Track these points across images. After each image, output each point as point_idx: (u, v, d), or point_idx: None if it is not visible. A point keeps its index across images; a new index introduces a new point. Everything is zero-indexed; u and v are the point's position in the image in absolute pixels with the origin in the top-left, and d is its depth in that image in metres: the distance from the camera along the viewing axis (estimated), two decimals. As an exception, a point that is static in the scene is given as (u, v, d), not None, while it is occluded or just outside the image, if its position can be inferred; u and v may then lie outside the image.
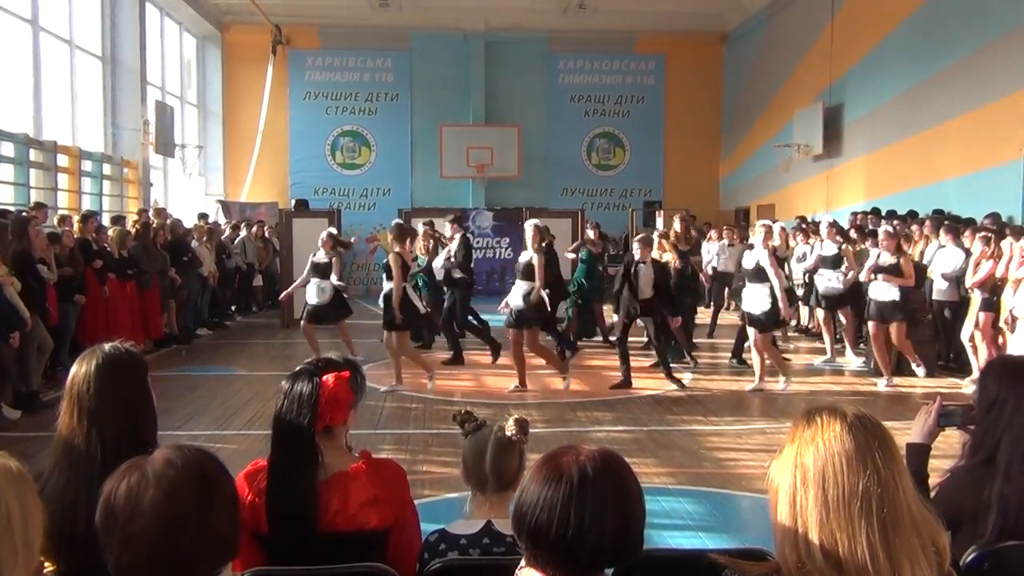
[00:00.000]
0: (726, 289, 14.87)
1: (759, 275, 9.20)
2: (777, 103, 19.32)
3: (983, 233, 9.66)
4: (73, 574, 2.06)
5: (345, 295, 10.93)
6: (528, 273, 9.07)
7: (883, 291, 9.59)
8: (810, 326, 13.85)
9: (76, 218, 11.00)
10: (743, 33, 21.60)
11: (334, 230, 11.38)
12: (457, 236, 11.37)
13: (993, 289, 9.29)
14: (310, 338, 10.30)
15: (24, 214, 9.53)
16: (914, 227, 11.91)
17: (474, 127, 21.66)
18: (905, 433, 2.66)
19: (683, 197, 20.89)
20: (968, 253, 9.98)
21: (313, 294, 10.33)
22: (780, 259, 10.76)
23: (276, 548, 2.39)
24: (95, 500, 1.65)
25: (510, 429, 2.56)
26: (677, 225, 12.21)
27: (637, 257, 9.35)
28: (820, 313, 11.84)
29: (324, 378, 2.41)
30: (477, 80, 21.98)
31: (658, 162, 22.97)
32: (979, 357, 9.26)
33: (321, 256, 10.45)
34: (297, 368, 2.49)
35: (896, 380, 9.72)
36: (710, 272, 14.42)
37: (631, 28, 21.72)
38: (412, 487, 2.66)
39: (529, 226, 9.49)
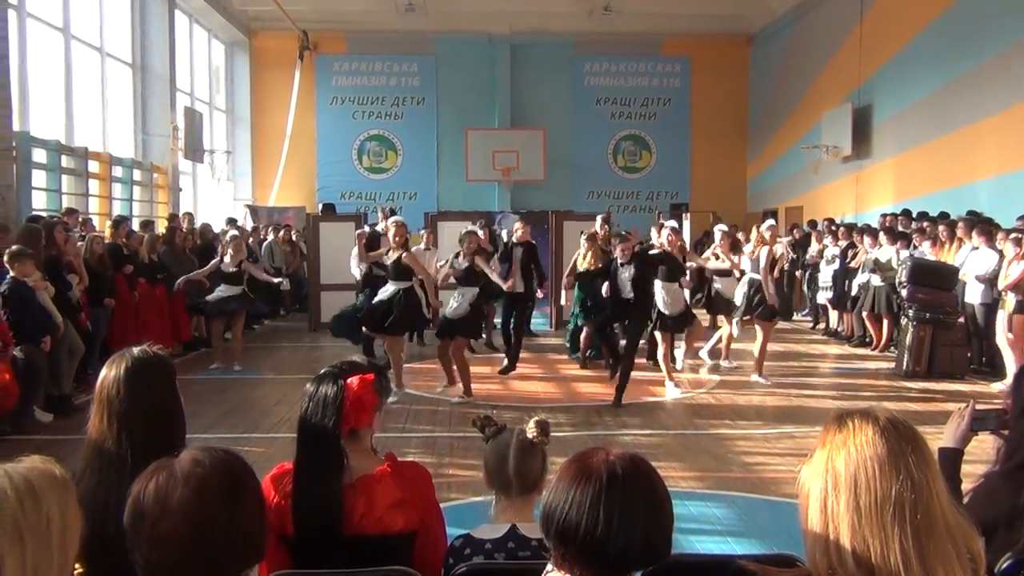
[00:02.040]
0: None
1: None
2: (805, 104, 19.16)
3: (1015, 235, 9.52)
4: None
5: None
6: (400, 273, 8.87)
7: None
8: (840, 329, 13.73)
9: (108, 223, 11.13)
10: (770, 35, 21.46)
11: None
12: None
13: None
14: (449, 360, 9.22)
15: (54, 219, 9.66)
16: (941, 228, 11.74)
17: (500, 131, 21.68)
18: (937, 438, 2.62)
19: (710, 199, 20.81)
20: (1002, 255, 9.84)
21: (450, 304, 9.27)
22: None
23: (302, 551, 2.39)
24: (124, 503, 1.66)
25: (531, 431, 2.54)
26: (597, 225, 11.61)
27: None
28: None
29: (349, 381, 2.41)
30: (503, 84, 22.01)
31: (685, 164, 22.87)
32: (1013, 360, 9.12)
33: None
34: (322, 371, 2.49)
35: (923, 384, 9.57)
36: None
37: (657, 30, 21.65)
38: (438, 490, 2.66)
39: (392, 223, 9.18)
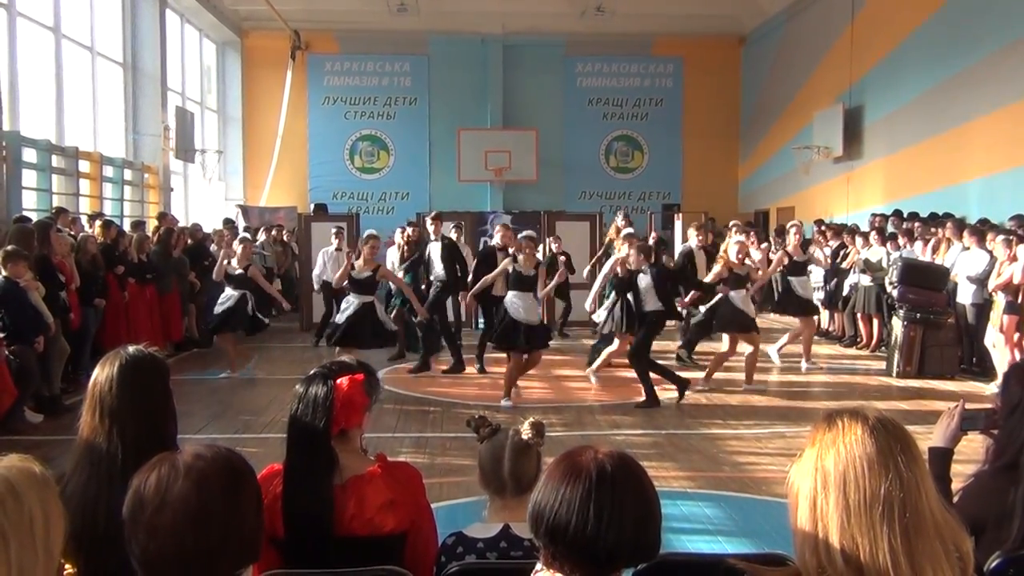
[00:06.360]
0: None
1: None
2: (796, 105, 19.21)
3: (1005, 235, 9.56)
4: (92, 573, 2.07)
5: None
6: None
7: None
8: (831, 329, 13.77)
9: (98, 223, 11.08)
10: (761, 35, 21.51)
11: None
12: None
13: (1017, 292, 9.19)
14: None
15: (49, 219, 9.62)
16: (934, 231, 11.78)
17: (492, 131, 21.67)
18: (927, 437, 2.64)
19: (702, 200, 20.82)
20: (992, 256, 9.89)
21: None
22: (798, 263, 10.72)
23: (292, 552, 2.39)
24: (115, 499, 1.66)
25: (526, 432, 2.54)
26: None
27: None
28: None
29: (338, 381, 2.41)
30: (495, 84, 22.01)
31: (676, 165, 22.91)
32: (1002, 361, 9.16)
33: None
34: (311, 372, 2.49)
35: (914, 383, 9.61)
36: None
37: (648, 31, 21.68)
38: (430, 490, 2.65)
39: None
